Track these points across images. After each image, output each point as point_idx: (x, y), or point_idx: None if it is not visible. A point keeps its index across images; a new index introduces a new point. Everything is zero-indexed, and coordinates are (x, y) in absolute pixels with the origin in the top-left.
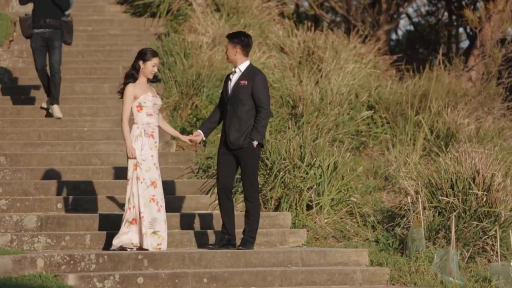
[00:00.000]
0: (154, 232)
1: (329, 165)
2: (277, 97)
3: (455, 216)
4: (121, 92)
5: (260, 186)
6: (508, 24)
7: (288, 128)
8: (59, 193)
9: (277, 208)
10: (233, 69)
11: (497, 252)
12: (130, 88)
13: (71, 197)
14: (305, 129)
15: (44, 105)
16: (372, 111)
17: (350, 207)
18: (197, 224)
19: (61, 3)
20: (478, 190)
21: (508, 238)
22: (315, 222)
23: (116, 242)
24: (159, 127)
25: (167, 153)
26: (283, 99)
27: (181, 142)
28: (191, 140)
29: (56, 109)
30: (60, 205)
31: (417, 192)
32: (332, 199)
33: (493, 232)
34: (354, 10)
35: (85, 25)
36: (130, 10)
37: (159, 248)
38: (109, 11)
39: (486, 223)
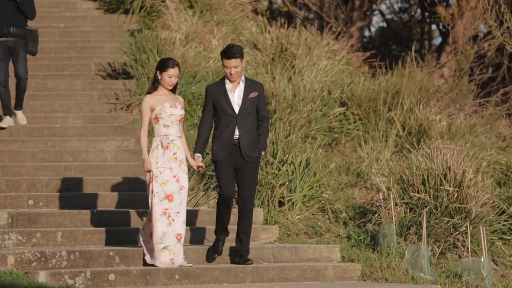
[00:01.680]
0: (165, 248)
1: (301, 161)
2: None
3: (426, 212)
4: None
5: None
6: (480, 21)
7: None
8: (30, 190)
9: None
10: (226, 81)
11: (467, 248)
12: (146, 100)
13: (42, 194)
14: (278, 125)
15: (3, 125)
16: (345, 108)
17: (322, 203)
18: None
19: (26, 11)
20: (450, 186)
21: (478, 234)
22: (287, 219)
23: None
24: None
25: (140, 150)
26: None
27: None
28: (199, 168)
29: (20, 116)
30: (31, 202)
31: (388, 189)
32: (304, 196)
33: (464, 228)
34: (327, 7)
35: (57, 21)
36: (103, 7)
37: (173, 264)
38: (82, 8)
39: (457, 219)
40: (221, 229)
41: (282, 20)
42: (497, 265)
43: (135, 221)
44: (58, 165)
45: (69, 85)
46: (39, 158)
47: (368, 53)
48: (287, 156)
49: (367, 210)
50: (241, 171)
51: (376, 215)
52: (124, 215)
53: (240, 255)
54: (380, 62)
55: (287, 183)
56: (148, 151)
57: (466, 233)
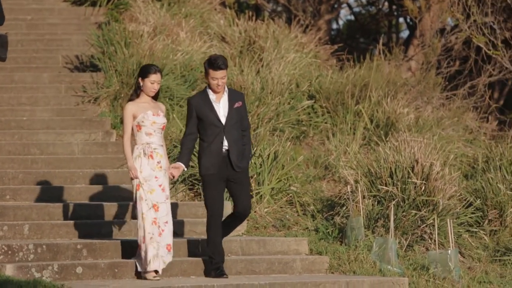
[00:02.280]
0: (157, 255)
1: (269, 154)
2: None
3: (394, 205)
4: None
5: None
6: (448, 14)
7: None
8: None
9: None
10: (209, 92)
11: (435, 241)
12: (129, 107)
13: (9, 187)
14: None
15: None
16: (313, 101)
17: (290, 196)
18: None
19: None
20: (417, 179)
21: (445, 227)
22: (255, 212)
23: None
24: None
25: (107, 143)
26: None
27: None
28: (171, 174)
29: None
30: None
31: (356, 181)
32: (272, 189)
33: (431, 221)
34: (295, 0)
35: (24, 14)
36: None
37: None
38: (49, 0)
39: (425, 211)
40: (218, 254)
41: (250, 13)
42: (464, 257)
43: (103, 214)
44: (25, 158)
45: (36, 77)
46: (5, 151)
47: (336, 46)
48: (255, 149)
49: (335, 203)
50: (233, 182)
51: (344, 208)
52: (91, 208)
53: (216, 268)
54: (348, 55)
55: (255, 176)
56: None
57: (434, 225)
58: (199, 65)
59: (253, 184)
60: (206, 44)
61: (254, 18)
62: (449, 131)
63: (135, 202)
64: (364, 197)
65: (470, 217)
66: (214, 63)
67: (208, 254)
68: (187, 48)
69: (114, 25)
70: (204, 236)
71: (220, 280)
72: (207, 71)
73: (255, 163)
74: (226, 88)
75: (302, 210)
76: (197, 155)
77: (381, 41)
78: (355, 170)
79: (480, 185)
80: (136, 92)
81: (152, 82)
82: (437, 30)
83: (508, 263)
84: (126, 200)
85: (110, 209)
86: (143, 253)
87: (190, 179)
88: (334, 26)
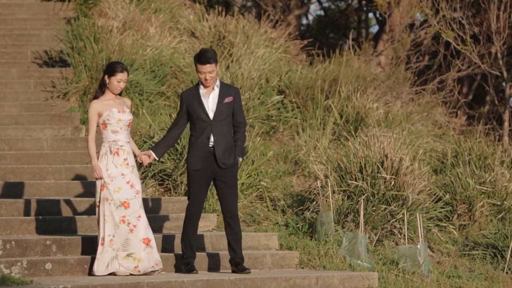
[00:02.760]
0: (129, 255)
1: None
2: (188, 81)
3: (363, 199)
4: None
5: (170, 171)
6: (417, 9)
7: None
8: None
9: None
10: (200, 86)
11: (404, 235)
12: (93, 105)
13: None
14: None
15: None
16: (283, 96)
17: (260, 191)
18: None
19: None
20: (387, 174)
21: (415, 221)
22: None
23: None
24: None
25: (76, 138)
26: (194, 84)
27: None
28: (140, 159)
29: None
30: None
31: (326, 176)
32: (243, 184)
33: (401, 216)
34: None
35: None
36: None
37: (139, 271)
38: None
39: (394, 206)
40: (190, 252)
41: (220, 8)
42: (433, 251)
43: (72, 210)
44: None
45: (5, 73)
46: None
47: (305, 41)
48: None
49: (305, 198)
50: (218, 180)
51: (314, 202)
52: (61, 204)
53: (236, 263)
54: (318, 50)
55: None
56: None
57: (403, 220)
58: (168, 60)
59: None
60: (175, 40)
61: (223, 13)
62: (419, 126)
63: (98, 202)
64: (334, 192)
65: (440, 212)
66: (201, 56)
67: (181, 249)
68: (157, 44)
69: (83, 20)
70: (175, 232)
71: (191, 276)
72: (196, 65)
73: None
74: (218, 83)
75: (272, 205)
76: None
77: (350, 36)
78: (325, 165)
79: (449, 179)
80: (101, 89)
81: (119, 81)
82: (406, 25)
83: (477, 257)
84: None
85: (79, 204)
86: (99, 255)
87: (160, 174)
88: (304, 21)
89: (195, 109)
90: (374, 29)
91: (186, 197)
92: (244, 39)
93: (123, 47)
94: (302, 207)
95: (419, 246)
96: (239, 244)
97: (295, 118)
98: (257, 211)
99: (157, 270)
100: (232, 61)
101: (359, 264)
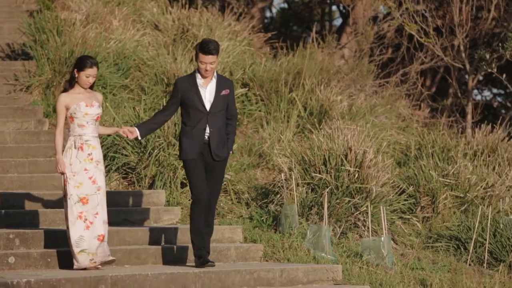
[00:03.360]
0: (82, 251)
1: None
2: (152, 74)
3: (327, 192)
4: None
5: (134, 164)
6: (380, 2)
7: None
8: None
9: (151, 186)
10: (197, 75)
11: (368, 228)
12: (62, 98)
13: None
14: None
15: None
16: (247, 89)
17: (225, 184)
18: None
19: None
20: (350, 167)
21: (379, 214)
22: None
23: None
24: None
25: (40, 132)
26: (158, 77)
27: (54, 121)
28: (124, 132)
29: None
30: None
31: (290, 169)
32: None
33: (365, 208)
34: None
35: None
36: None
37: (95, 263)
38: None
39: (358, 199)
40: (200, 239)
41: (183, 1)
42: (397, 244)
43: (35, 203)
44: None
45: None
46: None
47: (269, 34)
48: None
49: (269, 190)
50: (209, 171)
51: (278, 195)
52: (24, 197)
53: (199, 256)
54: (282, 43)
55: None
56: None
57: (367, 212)
58: (132, 53)
59: None
60: (139, 32)
61: (187, 6)
62: (382, 118)
63: (64, 196)
64: (298, 185)
65: (403, 204)
66: (204, 46)
67: (191, 239)
68: (120, 36)
69: (46, 13)
70: (138, 226)
71: (155, 269)
72: (197, 54)
73: None
74: (215, 74)
75: (236, 198)
76: (178, 139)
77: (314, 29)
78: (289, 158)
79: (413, 172)
80: (71, 82)
81: (87, 76)
82: (370, 18)
83: (440, 249)
84: (59, 189)
85: (42, 198)
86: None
87: (124, 168)
88: (268, 14)
89: (191, 98)
90: (338, 22)
91: (150, 191)
92: (208, 32)
93: (86, 40)
94: (266, 200)
95: (382, 238)
96: (208, 237)
97: (259, 111)
98: (221, 204)
99: (113, 259)
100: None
101: (323, 257)
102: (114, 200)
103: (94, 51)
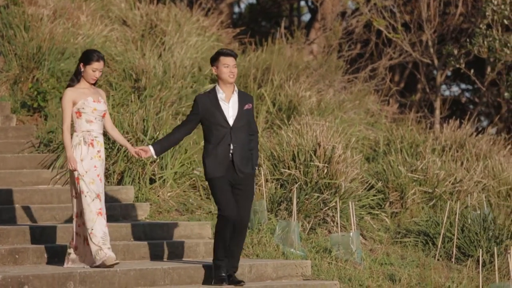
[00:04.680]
0: (108, 248)
1: None
2: (120, 70)
3: (296, 188)
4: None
5: None
6: None
7: (131, 101)
8: None
9: (120, 182)
10: (218, 90)
11: (337, 223)
12: (68, 93)
13: None
14: (148, 102)
15: None
16: (215, 84)
17: (193, 180)
18: (37, 199)
19: None
20: (319, 162)
21: (348, 209)
22: (158, 196)
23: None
24: (107, 134)
25: (7, 128)
26: (126, 73)
27: (21, 117)
28: (136, 153)
29: None
30: None
31: (259, 165)
32: (175, 173)
33: (334, 204)
34: None
35: None
36: None
37: (118, 263)
38: None
39: (327, 194)
40: (223, 254)
41: None
42: (365, 239)
43: (4, 200)
44: None
45: None
46: None
47: (238, 30)
48: (158, 133)
49: None
50: (236, 188)
51: None
52: None
53: (218, 270)
54: (250, 39)
55: (158, 160)
56: None
57: (336, 208)
58: (100, 49)
59: (155, 169)
60: (107, 28)
61: (155, 1)
62: (351, 114)
63: (75, 195)
64: (267, 180)
65: (372, 200)
66: (223, 50)
67: (213, 258)
68: (88, 32)
69: (13, 8)
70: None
71: (124, 265)
72: (217, 60)
73: None
74: (236, 88)
75: (205, 194)
76: (201, 158)
77: (282, 25)
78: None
79: (382, 167)
80: (77, 77)
81: (94, 70)
82: (338, 14)
83: (409, 244)
84: (26, 185)
85: (11, 194)
86: (82, 249)
87: None
88: (236, 9)
89: (213, 114)
90: (306, 17)
91: (119, 187)
92: (176, 27)
93: (54, 35)
94: None
95: (351, 234)
96: (238, 255)
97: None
98: (190, 200)
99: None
100: (164, 49)
101: (292, 252)
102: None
103: (62, 46)
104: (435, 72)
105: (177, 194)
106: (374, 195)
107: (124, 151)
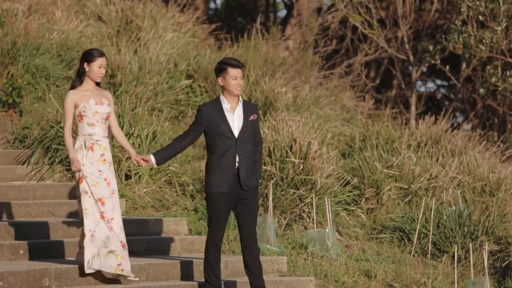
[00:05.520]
0: (110, 252)
1: (148, 134)
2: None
3: (272, 184)
4: None
5: None
6: None
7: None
8: None
9: None
10: (222, 100)
11: (313, 219)
12: (70, 95)
13: None
14: (124, 98)
15: None
16: (191, 80)
17: (169, 176)
18: (12, 195)
19: None
20: (295, 158)
21: (323, 205)
22: (134, 192)
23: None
24: (113, 137)
25: None
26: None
27: None
28: (137, 161)
29: None
30: None
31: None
32: (151, 169)
33: (310, 200)
34: None
35: None
36: None
37: (122, 270)
38: None
39: (303, 190)
40: (217, 280)
41: None
42: (341, 235)
43: None
44: None
45: None
46: None
47: (213, 26)
48: (133, 129)
49: None
50: (241, 202)
51: None
52: None
53: None
54: (226, 35)
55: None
56: None
57: (312, 204)
58: (75, 45)
59: (131, 165)
60: (82, 23)
61: None
62: (327, 110)
63: (79, 197)
64: None
65: (348, 196)
66: (232, 61)
67: (205, 277)
68: (63, 27)
69: None
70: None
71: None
72: (225, 71)
73: (133, 143)
74: (240, 99)
75: (181, 190)
76: (204, 171)
77: (258, 20)
78: None
79: (357, 163)
80: (80, 78)
81: (100, 66)
82: (314, 10)
83: (385, 240)
84: (1, 181)
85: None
86: (84, 252)
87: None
88: (212, 5)
89: (218, 126)
90: (282, 13)
91: None
92: (152, 23)
93: (28, 31)
94: None
95: (327, 230)
96: (261, 268)
97: (204, 102)
98: (166, 196)
99: (133, 278)
100: (140, 45)
101: (268, 249)
102: (58, 192)
103: (37, 42)
104: (410, 68)
105: (152, 190)
106: (350, 191)
107: None
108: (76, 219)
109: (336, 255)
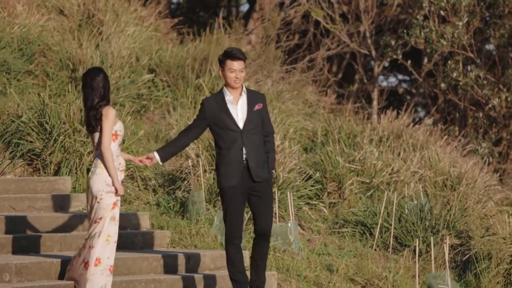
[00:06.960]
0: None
1: None
2: (57, 60)
3: None
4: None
5: (39, 151)
6: None
7: (68, 91)
8: None
9: (56, 173)
10: (225, 92)
11: (275, 214)
12: (113, 111)
13: None
14: None
15: None
16: (153, 75)
17: (131, 170)
18: None
19: None
20: None
21: (286, 200)
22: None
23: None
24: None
25: None
26: (63, 63)
27: None
28: (141, 161)
29: None
30: None
31: (197, 155)
32: None
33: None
34: None
35: None
36: None
37: None
38: None
39: None
40: (241, 274)
41: None
42: (303, 229)
43: None
44: None
45: None
46: None
47: (176, 20)
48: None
49: (177, 177)
50: (253, 195)
51: (186, 182)
52: None
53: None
54: (188, 29)
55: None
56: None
57: (274, 198)
58: (36, 39)
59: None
60: (44, 17)
61: None
62: (289, 104)
63: (100, 219)
64: (205, 171)
65: (310, 190)
66: (230, 52)
67: (230, 276)
68: (24, 21)
69: None
70: (44, 212)
71: (61, 256)
72: (224, 63)
73: None
74: (244, 89)
75: (143, 185)
76: (214, 166)
77: (221, 15)
78: (196, 144)
79: (319, 158)
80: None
81: None
82: (276, 4)
83: (347, 234)
84: None
85: None
86: (90, 276)
87: (29, 154)
88: None
89: (222, 119)
90: (245, 7)
91: (56, 177)
92: (114, 17)
93: None
94: (173, 187)
95: (289, 224)
96: (264, 267)
97: (166, 97)
98: (128, 191)
99: None
100: (102, 39)
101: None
102: (19, 187)
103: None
104: (372, 62)
105: None
106: (312, 186)
107: (61, 142)
108: (35, 214)
109: (298, 249)
